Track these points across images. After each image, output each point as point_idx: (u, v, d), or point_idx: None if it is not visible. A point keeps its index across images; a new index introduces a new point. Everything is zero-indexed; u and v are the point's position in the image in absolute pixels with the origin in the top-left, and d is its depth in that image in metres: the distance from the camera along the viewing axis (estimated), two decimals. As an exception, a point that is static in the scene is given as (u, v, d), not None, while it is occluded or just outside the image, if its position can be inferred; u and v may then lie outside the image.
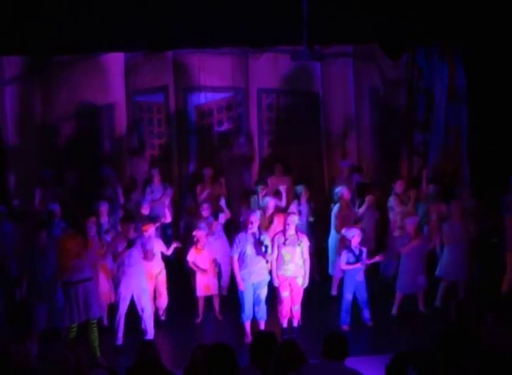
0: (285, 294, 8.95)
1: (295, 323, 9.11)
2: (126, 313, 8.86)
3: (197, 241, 9.63)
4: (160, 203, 11.44)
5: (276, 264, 8.89)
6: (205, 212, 10.36)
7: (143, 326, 8.88)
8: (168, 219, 10.54)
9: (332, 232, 10.62)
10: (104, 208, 10.09)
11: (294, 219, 8.92)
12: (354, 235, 9.29)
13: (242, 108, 13.17)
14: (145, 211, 10.19)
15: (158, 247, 9.48)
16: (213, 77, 12.93)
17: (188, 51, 12.79)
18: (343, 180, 12.00)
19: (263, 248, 8.72)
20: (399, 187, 11.04)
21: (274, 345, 5.12)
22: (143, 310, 8.84)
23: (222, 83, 13.02)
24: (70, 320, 8.25)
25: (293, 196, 11.33)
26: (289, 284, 8.96)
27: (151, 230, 9.26)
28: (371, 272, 10.09)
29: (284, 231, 8.91)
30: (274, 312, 9.18)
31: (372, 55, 13.16)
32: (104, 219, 10.01)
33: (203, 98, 13.06)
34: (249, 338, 8.74)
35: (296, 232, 8.92)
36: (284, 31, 11.40)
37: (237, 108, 13.19)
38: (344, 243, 9.71)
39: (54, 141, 12.65)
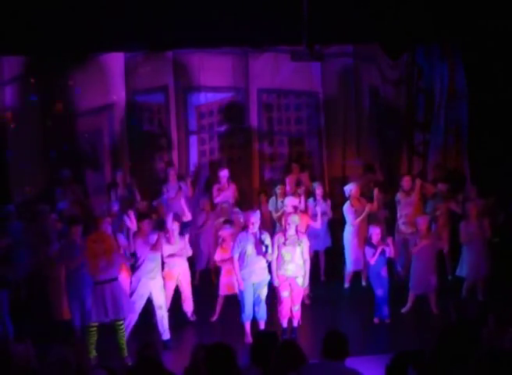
0: (285, 294, 8.95)
1: (295, 323, 9.11)
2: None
3: (223, 240, 9.64)
4: (176, 201, 11.47)
5: (276, 264, 8.89)
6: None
7: (159, 327, 8.90)
8: (188, 217, 10.32)
9: (347, 227, 10.77)
10: (115, 208, 10.06)
11: (294, 219, 8.91)
12: (373, 233, 9.46)
13: (242, 108, 13.18)
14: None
15: (182, 245, 9.49)
16: (213, 77, 12.93)
17: (188, 51, 12.79)
18: (356, 178, 12.03)
19: (263, 248, 8.72)
20: (406, 183, 11.10)
21: (275, 345, 5.12)
22: (160, 308, 8.87)
23: (222, 83, 13.02)
24: (97, 319, 8.28)
25: (309, 193, 11.39)
26: (289, 284, 8.96)
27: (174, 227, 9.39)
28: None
29: (284, 231, 8.91)
30: (274, 312, 9.18)
31: (372, 55, 13.18)
32: (115, 219, 9.99)
33: (203, 98, 13.07)
34: (249, 338, 8.74)
35: (297, 232, 8.92)
36: (284, 31, 11.40)
37: (237, 108, 13.19)
38: (362, 238, 10.17)
39: (54, 141, 12.65)
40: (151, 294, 8.89)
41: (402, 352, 5.06)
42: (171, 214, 9.48)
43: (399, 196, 11.13)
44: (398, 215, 11.11)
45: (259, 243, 8.74)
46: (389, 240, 9.61)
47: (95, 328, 8.33)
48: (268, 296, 9.02)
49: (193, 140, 13.15)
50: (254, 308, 8.90)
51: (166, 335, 8.92)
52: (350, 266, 10.81)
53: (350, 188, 10.82)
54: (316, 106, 13.33)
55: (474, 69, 12.61)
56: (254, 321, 8.95)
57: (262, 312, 8.92)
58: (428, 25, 11.94)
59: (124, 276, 9.01)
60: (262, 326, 8.96)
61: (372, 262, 9.44)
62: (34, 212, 10.54)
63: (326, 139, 13.39)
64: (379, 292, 9.49)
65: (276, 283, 8.93)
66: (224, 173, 11.94)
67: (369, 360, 7.36)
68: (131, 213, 9.39)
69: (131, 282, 8.91)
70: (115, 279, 8.39)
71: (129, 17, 11.37)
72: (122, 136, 12.81)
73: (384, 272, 9.51)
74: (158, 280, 8.93)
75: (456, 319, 9.33)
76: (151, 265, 8.82)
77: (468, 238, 9.93)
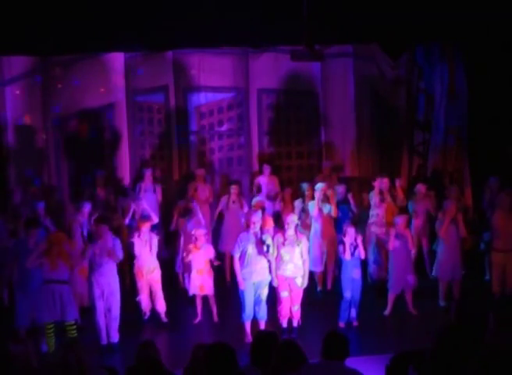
0: (284, 294, 8.95)
1: (295, 323, 9.11)
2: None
3: (196, 239, 9.64)
4: (153, 203, 11.53)
5: (275, 264, 8.89)
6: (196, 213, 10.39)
7: (108, 328, 8.78)
8: (155, 220, 10.31)
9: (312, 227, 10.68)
10: (86, 208, 10.04)
11: (294, 219, 8.92)
12: (347, 232, 9.30)
13: (242, 108, 13.19)
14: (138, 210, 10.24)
15: (154, 244, 9.58)
16: (213, 77, 12.95)
17: (188, 51, 12.80)
18: (323, 178, 11.93)
19: (265, 248, 8.72)
20: (384, 184, 10.79)
21: (275, 345, 5.11)
22: (109, 310, 8.75)
23: (222, 83, 13.04)
24: (49, 317, 8.32)
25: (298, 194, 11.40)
26: (289, 284, 8.96)
27: (146, 227, 9.51)
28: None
29: (283, 231, 8.91)
30: (274, 312, 9.18)
31: (372, 55, 13.18)
32: (85, 220, 9.95)
33: (203, 98, 13.08)
34: (249, 338, 8.72)
35: (296, 232, 8.92)
36: (284, 31, 11.40)
37: (237, 108, 13.20)
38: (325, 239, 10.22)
39: (53, 140, 12.66)
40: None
41: (402, 352, 5.06)
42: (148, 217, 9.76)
43: (371, 195, 10.86)
44: (370, 214, 10.82)
45: (260, 243, 8.74)
46: (359, 239, 9.39)
47: (52, 328, 8.36)
48: (268, 296, 9.02)
49: (193, 140, 13.16)
50: (255, 308, 8.89)
51: (114, 338, 8.79)
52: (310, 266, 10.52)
53: (320, 188, 10.58)
54: (316, 106, 13.34)
55: (474, 69, 12.62)
56: (254, 321, 8.95)
57: (262, 312, 8.92)
58: (428, 25, 11.94)
59: (80, 279, 9.12)
60: (262, 326, 8.95)
61: (347, 257, 9.25)
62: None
63: (326, 139, 13.39)
64: (347, 294, 9.27)
65: (275, 283, 8.93)
66: (200, 172, 12.05)
67: (369, 360, 7.36)
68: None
69: (90, 286, 8.85)
70: (67, 282, 8.43)
71: (129, 17, 11.37)
72: (122, 136, 12.82)
73: (357, 274, 9.32)
74: (110, 280, 8.80)
75: (456, 319, 9.33)
76: (102, 266, 8.80)
77: (446, 238, 9.84)
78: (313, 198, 10.81)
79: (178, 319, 9.81)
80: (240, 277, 8.79)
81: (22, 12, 11.06)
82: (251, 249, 8.75)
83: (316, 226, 10.62)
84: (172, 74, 12.82)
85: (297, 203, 11.07)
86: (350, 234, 9.31)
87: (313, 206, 10.57)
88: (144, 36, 11.82)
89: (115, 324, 8.80)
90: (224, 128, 13.22)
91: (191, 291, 9.71)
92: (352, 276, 9.31)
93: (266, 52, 13.01)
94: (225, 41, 12.21)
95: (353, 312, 9.42)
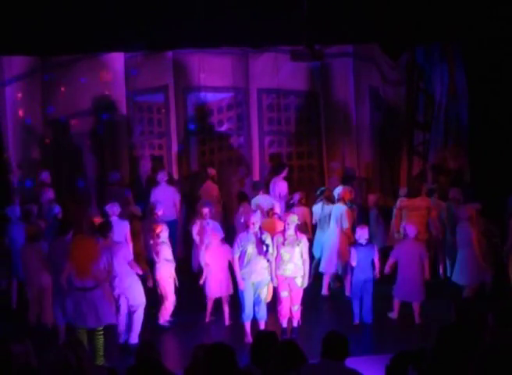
0: (284, 294, 8.95)
1: (295, 323, 9.10)
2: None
3: (210, 243, 9.53)
4: (170, 204, 11.50)
5: (275, 264, 8.89)
6: (207, 215, 10.24)
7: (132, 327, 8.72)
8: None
9: (336, 230, 10.46)
10: (115, 209, 9.86)
11: (294, 219, 8.92)
12: (362, 233, 9.29)
13: (242, 108, 13.19)
14: (160, 212, 10.13)
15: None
16: (213, 77, 12.95)
17: (188, 51, 12.81)
18: (335, 180, 11.89)
19: (264, 248, 8.72)
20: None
21: (275, 345, 5.12)
22: (133, 311, 8.70)
23: (222, 83, 13.04)
24: (79, 325, 8.19)
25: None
26: (288, 284, 8.96)
27: (161, 229, 9.31)
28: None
29: (283, 231, 8.92)
30: (274, 312, 9.17)
31: (372, 55, 13.18)
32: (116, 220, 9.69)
33: (203, 98, 13.08)
34: (249, 338, 8.73)
35: (296, 232, 8.92)
36: (284, 31, 11.42)
37: (237, 108, 13.20)
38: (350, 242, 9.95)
39: (53, 141, 12.67)
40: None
41: (402, 352, 5.06)
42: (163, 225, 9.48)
43: (401, 203, 10.78)
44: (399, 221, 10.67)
45: (260, 243, 8.75)
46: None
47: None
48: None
49: (193, 140, 13.16)
50: (254, 308, 8.90)
51: (133, 339, 8.69)
52: (331, 269, 10.51)
53: (338, 192, 10.50)
54: (316, 106, 13.33)
55: (474, 69, 12.62)
56: (254, 321, 8.95)
57: (262, 312, 8.92)
58: (428, 25, 11.95)
59: None
60: (262, 326, 8.96)
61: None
62: (22, 212, 10.37)
63: (326, 139, 13.39)
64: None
65: (275, 283, 8.93)
66: (212, 172, 12.05)
67: (369, 360, 7.37)
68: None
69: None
70: (95, 287, 8.09)
71: (129, 17, 11.39)
72: (122, 136, 12.83)
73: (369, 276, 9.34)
74: (131, 280, 8.75)
75: (456, 319, 9.32)
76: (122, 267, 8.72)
77: (464, 243, 9.73)
78: (331, 200, 10.71)
79: (180, 320, 9.80)
80: (239, 277, 8.80)
81: (22, 12, 11.08)
82: (251, 249, 8.76)
83: (336, 229, 10.46)
84: (172, 74, 12.82)
85: (316, 208, 10.88)
86: (367, 235, 9.33)
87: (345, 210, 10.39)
88: (144, 36, 11.83)
89: (139, 324, 8.69)
90: (224, 128, 13.23)
91: (212, 294, 9.52)
92: (364, 277, 9.36)
93: (266, 52, 13.00)
94: (225, 41, 12.23)
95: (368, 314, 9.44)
